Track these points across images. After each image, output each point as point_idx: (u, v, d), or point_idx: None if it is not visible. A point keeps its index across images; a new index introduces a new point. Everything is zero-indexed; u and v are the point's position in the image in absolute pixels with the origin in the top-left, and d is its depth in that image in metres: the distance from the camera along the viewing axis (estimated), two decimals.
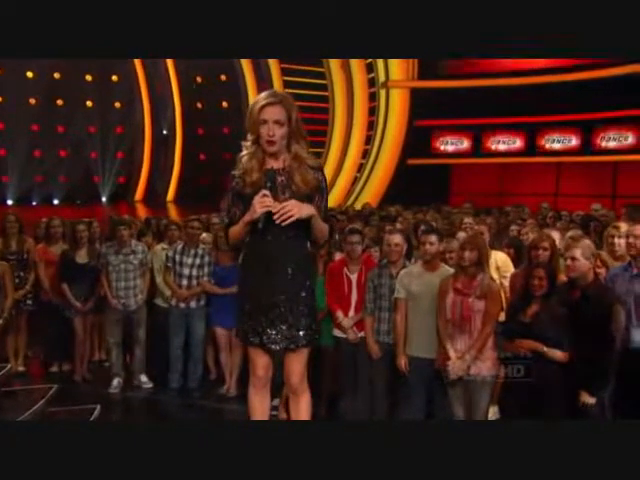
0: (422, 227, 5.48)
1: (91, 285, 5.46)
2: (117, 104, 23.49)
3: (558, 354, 3.43)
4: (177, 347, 5.25)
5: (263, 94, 2.43)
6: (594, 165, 14.30)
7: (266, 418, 2.65)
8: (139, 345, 5.39)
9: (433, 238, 3.86)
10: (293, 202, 2.34)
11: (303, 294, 2.48)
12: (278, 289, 2.44)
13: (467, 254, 3.57)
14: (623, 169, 13.91)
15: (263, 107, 2.38)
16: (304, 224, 2.42)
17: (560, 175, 15.09)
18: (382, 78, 16.29)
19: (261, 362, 2.53)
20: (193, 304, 5.23)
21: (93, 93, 22.56)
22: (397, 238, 4.11)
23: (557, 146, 14.91)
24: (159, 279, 5.49)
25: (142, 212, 19.24)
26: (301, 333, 2.45)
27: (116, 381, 5.30)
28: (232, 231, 2.49)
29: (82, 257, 5.45)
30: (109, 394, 5.19)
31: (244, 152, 2.49)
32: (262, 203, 2.32)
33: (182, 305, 5.22)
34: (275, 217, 2.31)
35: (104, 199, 23.17)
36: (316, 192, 2.45)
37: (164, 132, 24.26)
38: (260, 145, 2.43)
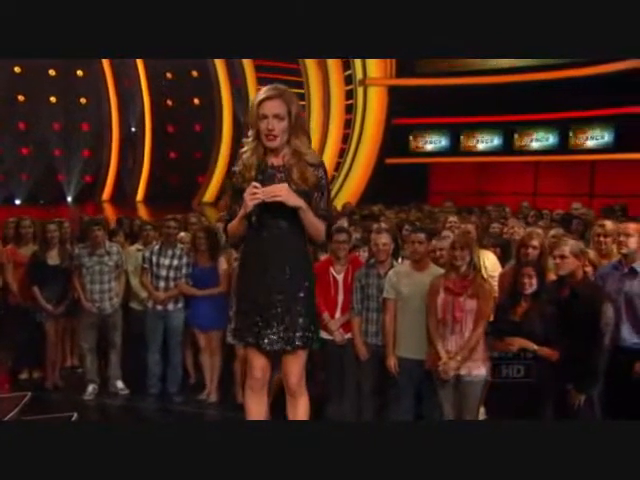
0: (406, 226, 5.54)
1: (63, 287, 5.35)
2: (83, 100, 23.11)
3: (548, 352, 3.49)
4: (155, 351, 5.17)
5: (263, 88, 2.43)
6: (572, 164, 14.59)
7: None
8: (115, 350, 5.30)
9: (422, 237, 3.89)
10: (284, 185, 2.35)
11: (301, 294, 2.47)
12: (275, 288, 2.43)
13: (459, 253, 3.60)
14: (600, 168, 14.24)
15: (262, 101, 2.39)
16: (297, 219, 2.41)
17: (538, 174, 15.37)
18: (360, 76, 16.37)
19: (258, 363, 2.51)
20: (171, 306, 5.16)
21: (57, 88, 22.16)
22: (385, 237, 4.13)
23: (535, 145, 15.17)
24: (134, 281, 5.41)
25: (110, 212, 18.99)
26: (297, 334, 2.45)
27: (91, 387, 5.21)
28: (230, 228, 2.49)
29: (53, 258, 5.34)
30: (84, 401, 5.10)
31: (245, 148, 2.48)
32: (253, 196, 2.32)
33: (159, 307, 5.14)
34: (259, 192, 2.30)
35: (69, 199, 22.77)
36: (315, 189, 2.44)
37: (132, 129, 23.96)
38: (260, 140, 2.43)
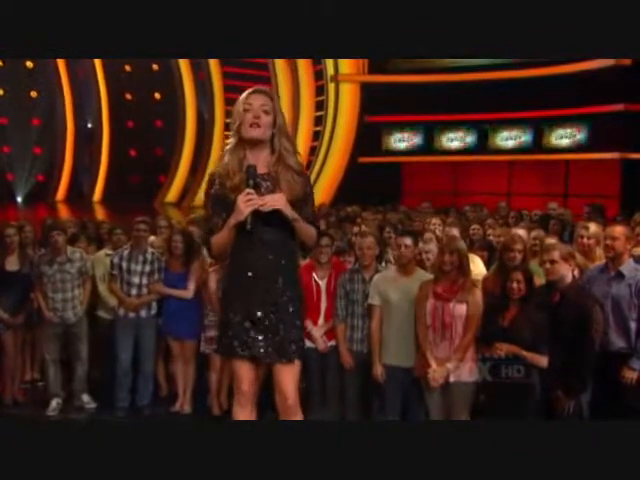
0: (387, 228, 5.60)
1: (22, 295, 5.20)
2: (33, 93, 22.60)
3: (538, 358, 3.58)
4: (125, 361, 5.06)
5: (249, 90, 2.47)
6: (546, 163, 14.92)
7: None
8: (80, 362, 5.17)
9: (408, 241, 3.93)
10: (282, 195, 2.38)
11: (294, 304, 2.49)
12: (268, 300, 2.44)
13: (447, 258, 3.66)
14: (575, 167, 14.59)
15: (249, 94, 2.43)
16: (290, 229, 2.44)
17: (512, 173, 15.66)
18: (331, 72, 16.41)
19: (247, 376, 2.50)
20: (143, 313, 5.07)
21: (5, 81, 21.57)
22: (369, 241, 4.16)
23: (509, 144, 15.46)
24: (102, 288, 5.31)
25: (64, 213, 18.60)
26: (293, 346, 2.46)
27: (55, 402, 5.08)
28: (217, 240, 2.45)
29: (12, 264, 5.18)
30: (48, 417, 4.98)
31: (226, 148, 2.48)
32: (248, 202, 2.32)
33: (131, 315, 5.06)
34: (260, 203, 2.32)
35: (19, 199, 22.22)
36: (301, 198, 2.47)
37: (89, 125, 23.53)
38: (241, 139, 2.43)
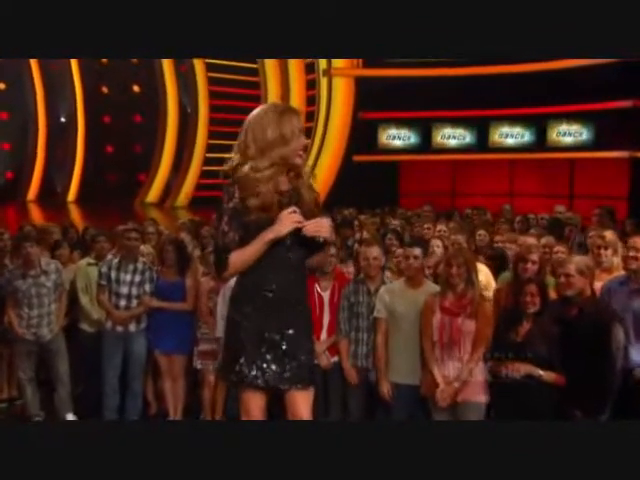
0: (389, 235, 5.62)
1: (0, 308, 5.16)
2: (1, 85, 22.40)
3: (554, 377, 3.60)
4: (112, 378, 5.01)
5: (281, 105, 2.50)
6: (550, 163, 14.98)
7: None
8: (61, 381, 5.09)
9: (417, 252, 3.95)
10: (329, 220, 2.41)
11: (307, 326, 2.53)
12: (284, 323, 2.45)
13: (455, 270, 3.67)
14: (580, 167, 14.66)
15: (294, 115, 2.44)
16: (307, 251, 2.48)
17: (514, 173, 15.73)
18: (324, 65, 16.39)
19: (258, 404, 2.49)
20: (132, 327, 5.03)
21: None
22: (375, 251, 4.16)
23: (510, 141, 15.51)
24: (85, 300, 5.28)
25: (37, 214, 18.46)
26: (308, 370, 2.48)
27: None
28: (243, 256, 2.40)
29: None
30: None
31: (260, 174, 2.39)
32: (292, 218, 2.35)
33: (119, 329, 5.02)
34: (305, 226, 2.35)
35: None
36: (318, 213, 2.51)
37: (62, 120, 23.38)
38: (279, 165, 2.42)
